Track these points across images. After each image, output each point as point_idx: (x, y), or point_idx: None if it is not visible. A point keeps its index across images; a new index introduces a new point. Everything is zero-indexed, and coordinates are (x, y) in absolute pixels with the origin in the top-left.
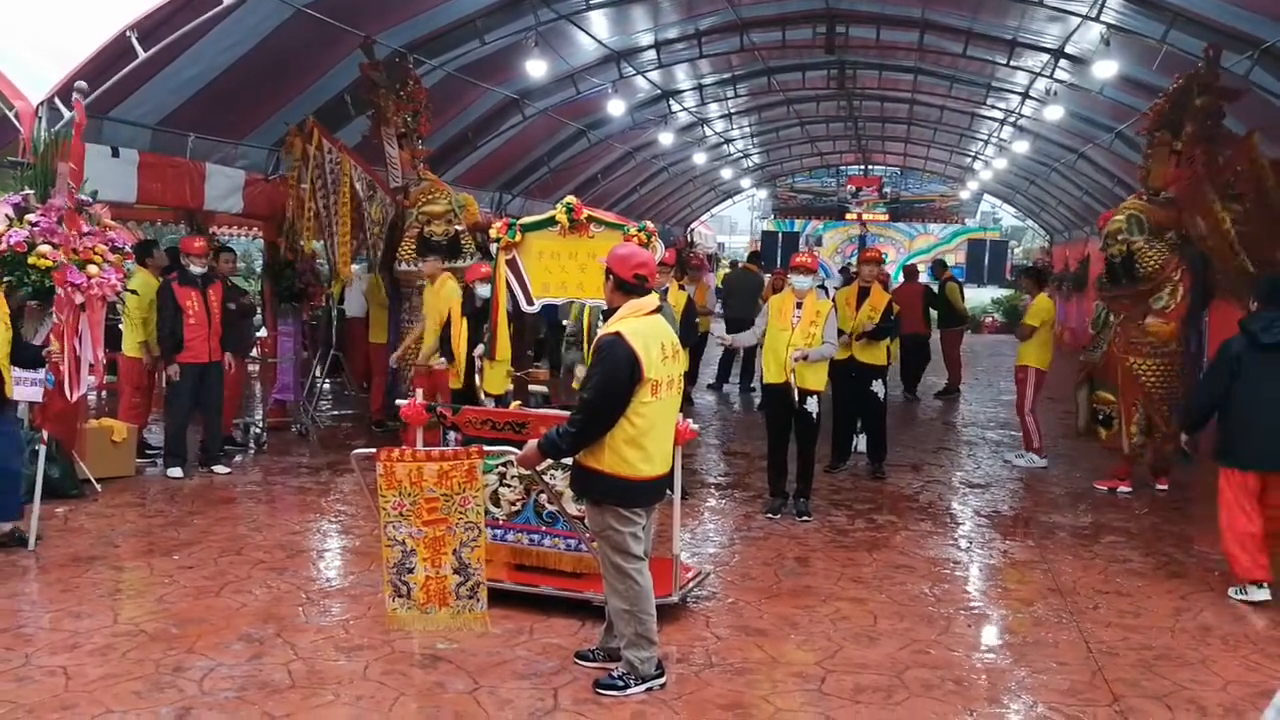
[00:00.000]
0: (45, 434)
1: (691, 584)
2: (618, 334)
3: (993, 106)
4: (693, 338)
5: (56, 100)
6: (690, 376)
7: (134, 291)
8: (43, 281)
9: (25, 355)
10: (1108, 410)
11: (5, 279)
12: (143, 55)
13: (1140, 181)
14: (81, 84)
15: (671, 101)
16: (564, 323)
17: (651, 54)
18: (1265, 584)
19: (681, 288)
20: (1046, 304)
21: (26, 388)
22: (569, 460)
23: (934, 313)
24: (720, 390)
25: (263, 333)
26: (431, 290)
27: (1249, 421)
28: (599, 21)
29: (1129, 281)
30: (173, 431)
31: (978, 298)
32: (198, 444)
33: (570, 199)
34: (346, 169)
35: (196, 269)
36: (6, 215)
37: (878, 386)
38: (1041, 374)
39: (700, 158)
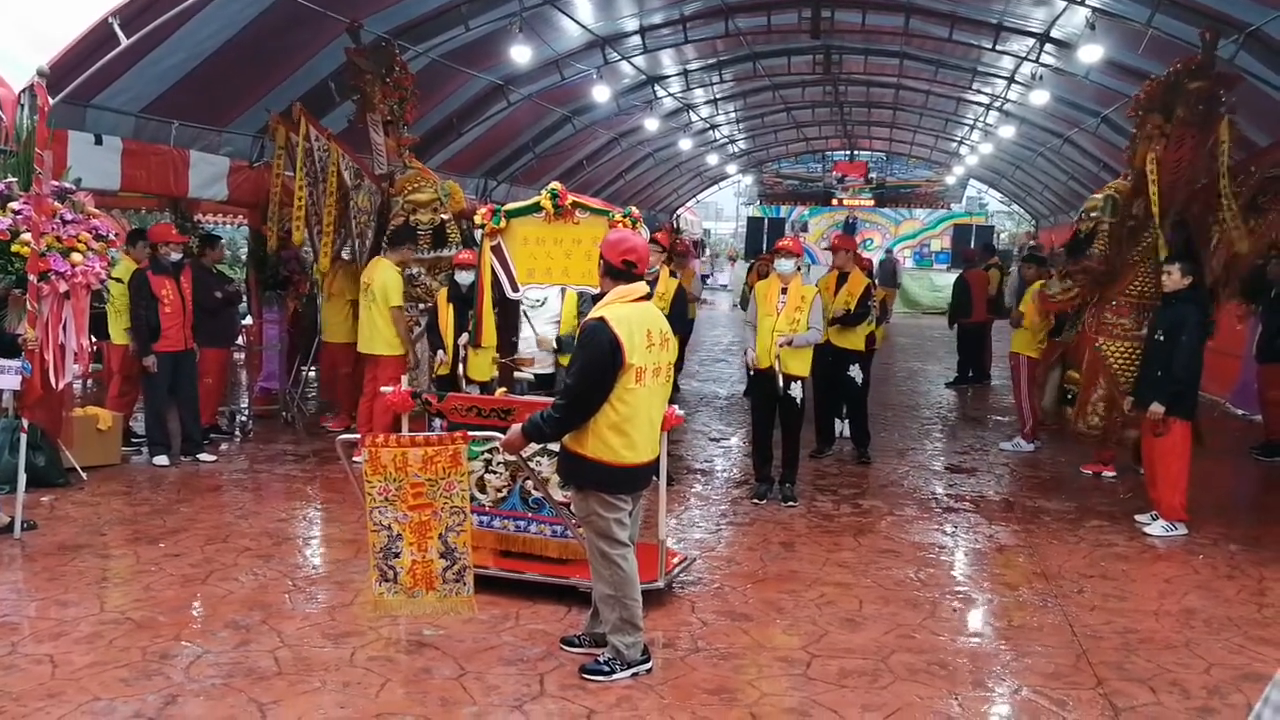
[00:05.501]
0: (25, 422)
1: (677, 569)
2: (601, 319)
3: (978, 91)
4: (682, 325)
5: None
6: (678, 364)
7: (119, 280)
8: (26, 270)
9: (2, 343)
10: (1075, 390)
11: None
12: (125, 42)
13: (1127, 163)
14: (42, 67)
15: (657, 87)
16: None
17: (636, 39)
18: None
19: (672, 274)
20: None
21: (5, 376)
22: (555, 446)
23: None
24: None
25: (248, 320)
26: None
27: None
28: (583, 6)
29: (1080, 257)
30: (153, 420)
31: None
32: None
33: (555, 185)
34: (335, 157)
35: (171, 256)
36: None
37: (854, 371)
38: (1034, 361)
39: (686, 143)
